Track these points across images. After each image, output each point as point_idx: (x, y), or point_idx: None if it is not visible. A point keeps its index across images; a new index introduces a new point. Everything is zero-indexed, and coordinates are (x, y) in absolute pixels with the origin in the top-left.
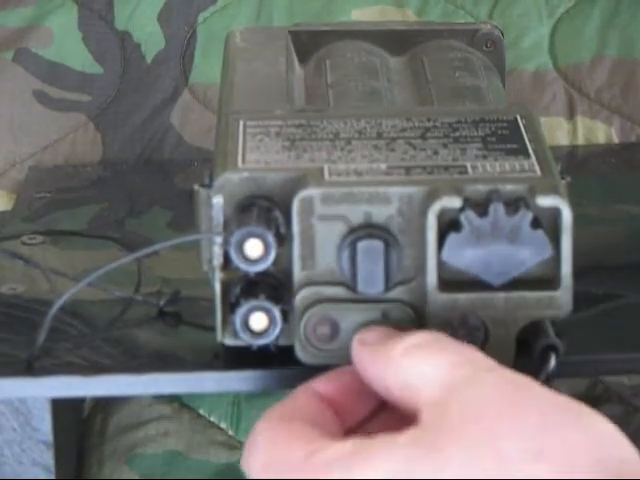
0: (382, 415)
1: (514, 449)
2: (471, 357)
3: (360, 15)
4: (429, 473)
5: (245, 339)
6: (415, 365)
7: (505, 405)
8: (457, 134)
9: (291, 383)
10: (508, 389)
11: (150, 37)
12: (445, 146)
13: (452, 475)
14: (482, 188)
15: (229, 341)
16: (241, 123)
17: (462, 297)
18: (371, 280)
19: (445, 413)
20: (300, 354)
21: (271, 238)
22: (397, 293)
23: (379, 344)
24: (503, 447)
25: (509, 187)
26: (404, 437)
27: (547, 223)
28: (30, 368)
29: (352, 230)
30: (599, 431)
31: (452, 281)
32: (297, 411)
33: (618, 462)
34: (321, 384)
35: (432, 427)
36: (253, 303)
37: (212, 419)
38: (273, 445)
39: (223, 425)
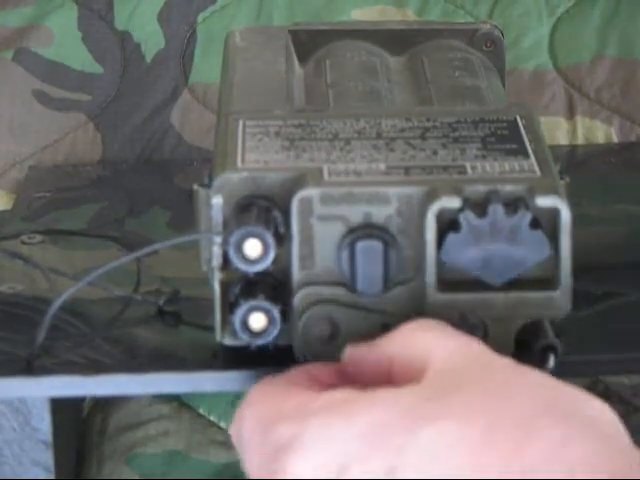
0: None
1: (512, 417)
2: (475, 345)
3: (360, 15)
4: (428, 418)
5: (244, 339)
6: (423, 337)
7: (508, 386)
8: (456, 134)
9: None
10: (513, 374)
11: (150, 37)
12: (444, 146)
13: (449, 424)
14: (481, 188)
15: (228, 341)
16: (241, 123)
17: (461, 297)
18: (370, 280)
19: (451, 375)
20: (299, 354)
21: (270, 238)
22: (396, 293)
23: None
24: (503, 413)
25: (508, 187)
26: (407, 387)
27: (546, 223)
28: (30, 367)
29: (351, 230)
30: (593, 414)
31: (451, 281)
32: (291, 381)
33: (611, 442)
34: (316, 367)
35: (437, 381)
36: (252, 303)
37: (212, 418)
38: (267, 400)
39: (223, 424)
